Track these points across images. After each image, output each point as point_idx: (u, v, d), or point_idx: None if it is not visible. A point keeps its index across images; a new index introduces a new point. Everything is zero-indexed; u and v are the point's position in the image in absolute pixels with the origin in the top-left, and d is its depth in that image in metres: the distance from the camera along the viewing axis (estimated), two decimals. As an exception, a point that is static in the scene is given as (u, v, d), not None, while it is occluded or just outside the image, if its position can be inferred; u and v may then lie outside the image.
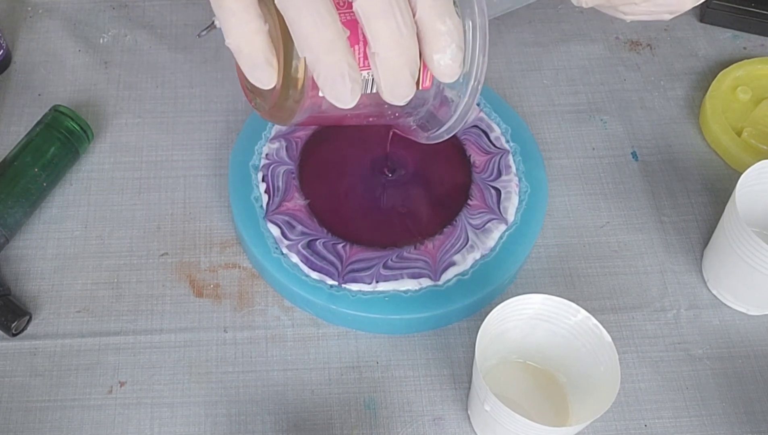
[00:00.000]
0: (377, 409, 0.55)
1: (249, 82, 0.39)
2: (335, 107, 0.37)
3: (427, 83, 0.41)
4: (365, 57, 0.38)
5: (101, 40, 0.73)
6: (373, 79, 0.38)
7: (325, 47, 0.35)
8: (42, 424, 0.54)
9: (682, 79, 0.71)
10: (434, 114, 0.44)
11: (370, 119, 0.44)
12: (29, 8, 0.75)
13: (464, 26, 0.40)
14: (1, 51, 0.69)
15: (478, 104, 0.65)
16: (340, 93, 0.36)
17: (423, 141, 0.47)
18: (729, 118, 0.67)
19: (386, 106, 0.40)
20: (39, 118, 0.63)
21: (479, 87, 0.41)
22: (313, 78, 0.36)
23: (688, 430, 0.54)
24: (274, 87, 0.39)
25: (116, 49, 0.72)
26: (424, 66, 0.38)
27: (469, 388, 0.54)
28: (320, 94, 0.36)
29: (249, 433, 0.54)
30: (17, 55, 0.72)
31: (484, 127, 0.64)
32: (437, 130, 0.45)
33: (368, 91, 0.39)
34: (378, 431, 0.54)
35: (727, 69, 0.69)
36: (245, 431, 0.54)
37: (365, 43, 0.37)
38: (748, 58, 0.70)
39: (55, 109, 0.63)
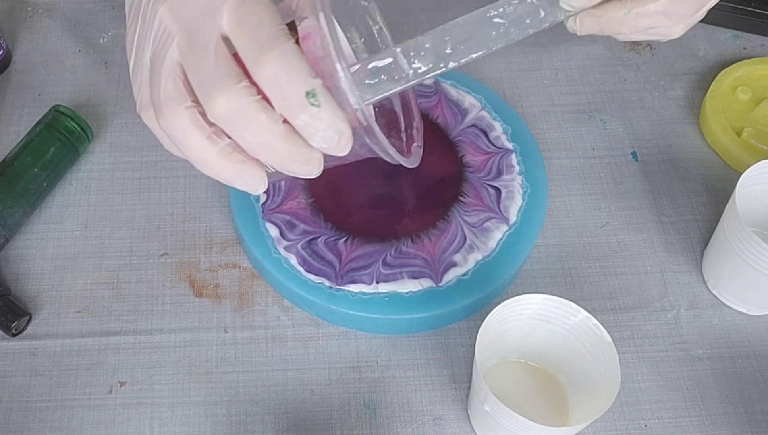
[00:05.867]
0: (377, 409, 0.55)
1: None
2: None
3: None
4: None
5: (101, 40, 0.73)
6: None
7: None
8: (42, 424, 0.54)
9: (682, 79, 0.71)
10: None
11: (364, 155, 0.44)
12: (29, 8, 0.75)
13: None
14: (1, 51, 0.69)
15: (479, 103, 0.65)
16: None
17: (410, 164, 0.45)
18: (729, 118, 0.67)
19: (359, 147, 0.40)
20: (39, 118, 0.63)
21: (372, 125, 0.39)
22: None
23: (688, 430, 0.54)
24: None
25: (116, 49, 0.72)
26: None
27: (469, 388, 0.54)
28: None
29: (249, 433, 0.54)
30: (17, 55, 0.72)
31: (483, 126, 0.64)
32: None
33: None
34: (378, 431, 0.54)
35: (727, 69, 0.69)
36: (245, 431, 0.54)
37: None
38: (748, 58, 0.70)
39: (55, 109, 0.63)
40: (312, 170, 0.39)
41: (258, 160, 0.39)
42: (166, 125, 0.39)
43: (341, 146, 0.38)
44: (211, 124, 0.38)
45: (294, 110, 0.37)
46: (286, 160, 0.38)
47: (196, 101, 0.38)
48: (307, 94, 0.36)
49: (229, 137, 0.38)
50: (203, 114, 0.38)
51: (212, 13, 0.37)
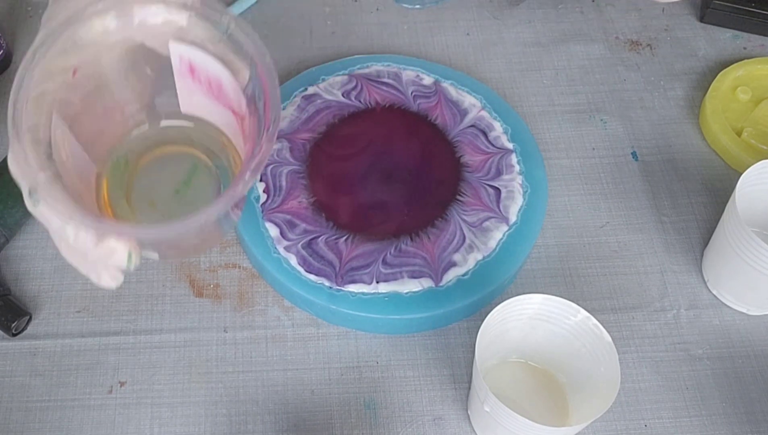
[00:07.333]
0: (377, 409, 0.55)
1: None
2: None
3: None
4: None
5: (101, 40, 0.73)
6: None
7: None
8: (42, 424, 0.54)
9: (682, 79, 0.71)
10: None
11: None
12: (29, 8, 0.75)
13: None
14: (1, 51, 0.69)
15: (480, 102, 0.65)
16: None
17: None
18: (729, 118, 0.67)
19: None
20: (39, 118, 0.63)
21: None
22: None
23: (688, 430, 0.54)
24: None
25: (116, 49, 0.72)
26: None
27: (469, 388, 0.54)
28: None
29: (249, 433, 0.54)
30: (17, 55, 0.72)
31: (483, 126, 0.64)
32: None
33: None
34: (378, 431, 0.54)
35: (727, 69, 0.69)
36: (245, 431, 0.54)
37: None
38: (748, 58, 0.70)
39: (55, 109, 0.63)
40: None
41: None
42: None
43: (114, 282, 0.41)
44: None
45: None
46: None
47: None
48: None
49: None
50: None
51: None
